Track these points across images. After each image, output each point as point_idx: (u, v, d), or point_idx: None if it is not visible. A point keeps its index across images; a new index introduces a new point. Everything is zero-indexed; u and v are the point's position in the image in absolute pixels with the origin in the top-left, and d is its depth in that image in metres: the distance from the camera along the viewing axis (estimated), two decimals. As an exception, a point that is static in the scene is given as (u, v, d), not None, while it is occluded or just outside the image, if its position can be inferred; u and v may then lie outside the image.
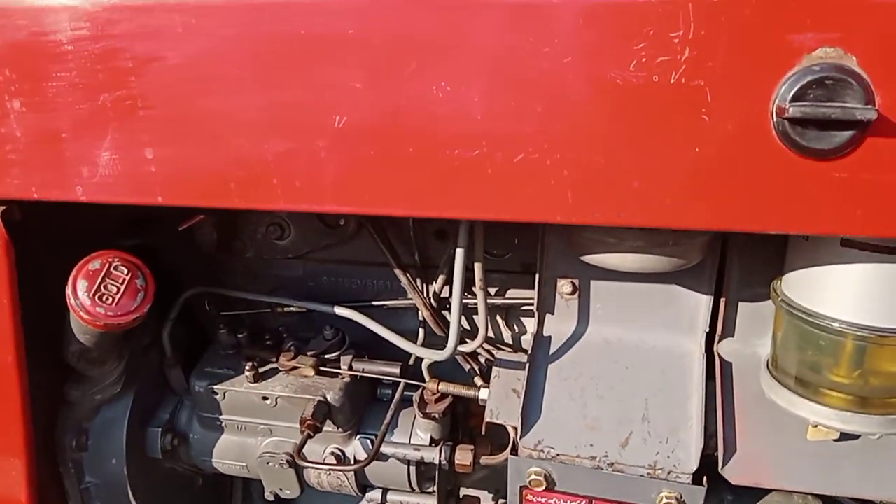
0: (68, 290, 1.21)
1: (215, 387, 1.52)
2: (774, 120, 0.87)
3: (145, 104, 1.02)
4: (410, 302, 1.56)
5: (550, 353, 1.39)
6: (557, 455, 1.28)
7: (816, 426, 1.17)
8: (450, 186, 0.96)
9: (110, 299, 1.21)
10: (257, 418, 1.54)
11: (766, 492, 1.42)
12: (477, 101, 0.92)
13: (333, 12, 0.92)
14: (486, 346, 1.55)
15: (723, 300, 1.33)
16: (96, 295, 1.20)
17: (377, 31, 0.92)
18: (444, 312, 1.55)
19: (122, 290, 1.22)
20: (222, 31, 0.96)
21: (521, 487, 1.32)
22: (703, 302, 1.34)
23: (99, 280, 1.21)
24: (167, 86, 1.01)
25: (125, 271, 1.23)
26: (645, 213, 0.94)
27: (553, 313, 1.41)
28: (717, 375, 1.32)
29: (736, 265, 1.30)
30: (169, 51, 0.99)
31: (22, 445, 1.39)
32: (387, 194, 0.99)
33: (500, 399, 1.37)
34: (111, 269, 1.22)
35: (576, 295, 1.38)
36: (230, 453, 1.59)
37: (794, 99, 0.85)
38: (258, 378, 1.51)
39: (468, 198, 0.96)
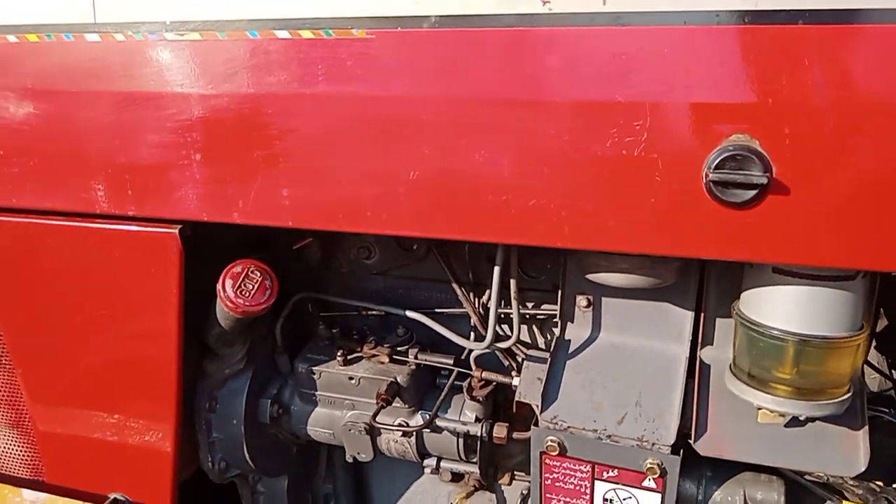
0: (218, 286, 1.70)
1: (314, 368, 1.99)
2: (704, 181, 1.27)
3: (284, 159, 1.51)
4: (463, 310, 1.99)
5: (569, 352, 1.78)
6: (568, 427, 1.68)
7: (761, 409, 1.53)
8: (486, 220, 1.41)
9: (248, 293, 1.69)
10: (344, 394, 1.99)
11: (740, 470, 1.78)
12: (506, 164, 1.37)
13: (412, 104, 1.39)
14: (522, 347, 1.97)
15: (703, 315, 1.71)
16: (238, 290, 1.69)
17: (440, 117, 1.38)
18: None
19: (255, 288, 1.70)
20: (338, 113, 1.44)
21: (540, 452, 1.72)
22: (688, 316, 1.71)
23: (240, 279, 1.69)
24: (299, 148, 1.49)
25: (259, 274, 1.71)
26: (619, 242, 1.36)
27: (573, 322, 1.81)
28: (697, 374, 1.69)
29: (713, 288, 1.67)
30: (302, 125, 1.48)
31: (173, 408, 1.86)
32: (444, 224, 1.44)
33: (527, 384, 1.78)
34: (249, 273, 1.71)
35: (590, 308, 1.78)
36: (321, 422, 2.04)
37: (716, 168, 1.25)
38: (347, 363, 1.97)
39: (499, 228, 1.41)
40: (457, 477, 2.16)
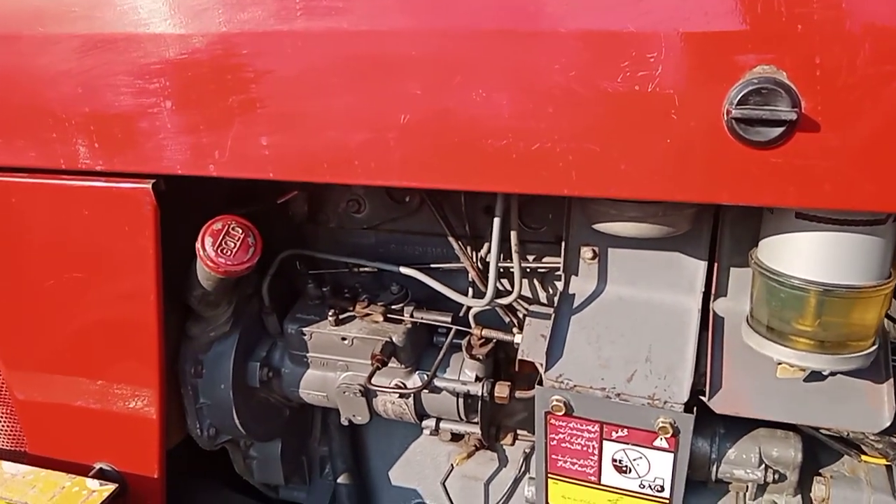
0: (197, 245, 1.58)
1: (304, 329, 1.89)
2: (725, 119, 1.15)
3: (262, 104, 1.37)
4: (461, 265, 1.88)
5: (573, 306, 1.69)
6: (575, 386, 1.59)
7: (781, 364, 1.44)
8: (485, 167, 1.29)
9: (229, 252, 1.58)
10: (337, 355, 1.89)
11: (753, 427, 1.71)
12: (505, 104, 1.25)
13: (401, 39, 1.25)
14: (523, 303, 1.87)
15: (716, 265, 1.60)
16: (219, 248, 1.57)
17: (432, 53, 1.25)
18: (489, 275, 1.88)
19: (237, 245, 1.59)
20: (319, 51, 1.31)
21: (545, 412, 1.63)
22: (701, 266, 1.61)
23: (221, 237, 1.58)
24: (278, 91, 1.36)
25: (240, 231, 1.60)
26: (630, 188, 1.24)
27: (577, 275, 1.71)
28: (710, 327, 1.60)
29: (727, 235, 1.57)
30: (280, 66, 1.34)
31: (156, 372, 1.76)
32: (439, 172, 1.32)
33: (530, 342, 1.69)
34: (230, 230, 1.59)
35: (596, 260, 1.67)
36: (314, 385, 1.95)
37: (738, 103, 1.13)
38: (338, 323, 1.86)
39: (498, 176, 1.29)
40: (456, 437, 2.08)
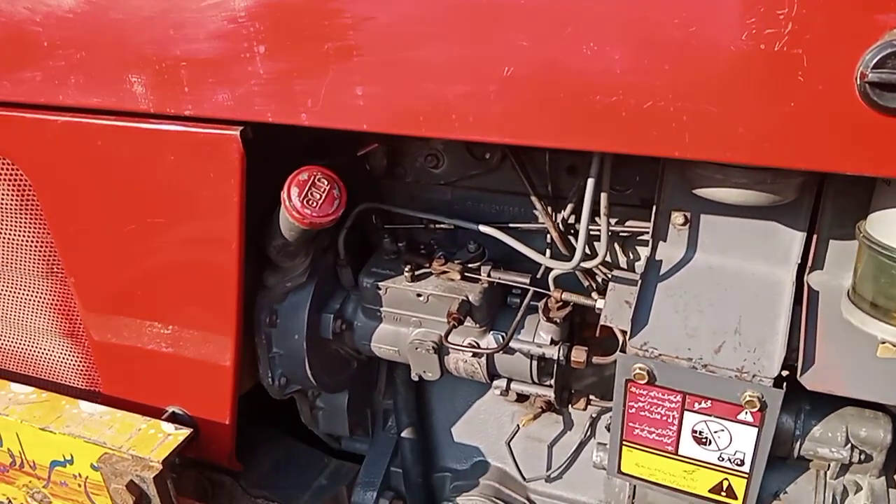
0: (283, 194, 1.56)
1: (379, 283, 1.87)
2: (858, 83, 1.08)
3: (359, 52, 1.33)
4: (540, 225, 1.84)
5: (661, 273, 1.63)
6: (660, 355, 1.55)
7: (885, 343, 1.38)
8: (592, 125, 1.23)
9: (315, 203, 1.55)
10: (411, 311, 1.88)
11: (840, 405, 1.65)
12: (618, 58, 1.18)
13: (511, -13, 1.20)
14: (603, 268, 1.82)
15: (815, 237, 1.54)
16: (304, 199, 1.55)
17: (542, 1, 1.19)
18: (570, 237, 1.83)
19: (323, 197, 1.56)
20: (422, -1, 1.26)
21: (626, 380, 1.60)
22: (798, 237, 1.54)
23: (307, 188, 1.55)
24: (377, 39, 1.31)
25: (326, 183, 1.57)
26: (747, 153, 1.18)
27: (665, 241, 1.65)
28: (804, 300, 1.53)
29: (829, 206, 1.49)
30: (380, 12, 1.29)
31: (233, 322, 1.75)
32: (541, 129, 1.27)
33: (613, 308, 1.64)
34: (315, 181, 1.57)
35: (686, 226, 1.61)
36: (386, 339, 1.94)
37: (876, 66, 1.05)
38: (414, 279, 1.84)
39: (606, 134, 1.23)
40: (522, 397, 2.06)
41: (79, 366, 2.07)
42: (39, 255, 1.94)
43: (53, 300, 2.01)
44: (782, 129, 1.14)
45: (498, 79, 1.26)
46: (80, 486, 1.85)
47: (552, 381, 1.85)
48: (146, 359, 1.92)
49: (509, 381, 1.91)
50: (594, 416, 2.10)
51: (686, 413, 1.59)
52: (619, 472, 1.74)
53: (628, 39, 1.17)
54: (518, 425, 2.13)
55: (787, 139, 1.15)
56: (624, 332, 1.59)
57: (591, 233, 1.67)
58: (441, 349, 1.86)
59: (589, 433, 2.12)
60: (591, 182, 1.48)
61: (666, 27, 1.14)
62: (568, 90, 1.23)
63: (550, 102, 1.25)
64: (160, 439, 1.77)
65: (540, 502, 2.20)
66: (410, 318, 1.88)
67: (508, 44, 1.24)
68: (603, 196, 1.56)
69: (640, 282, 1.61)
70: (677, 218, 1.61)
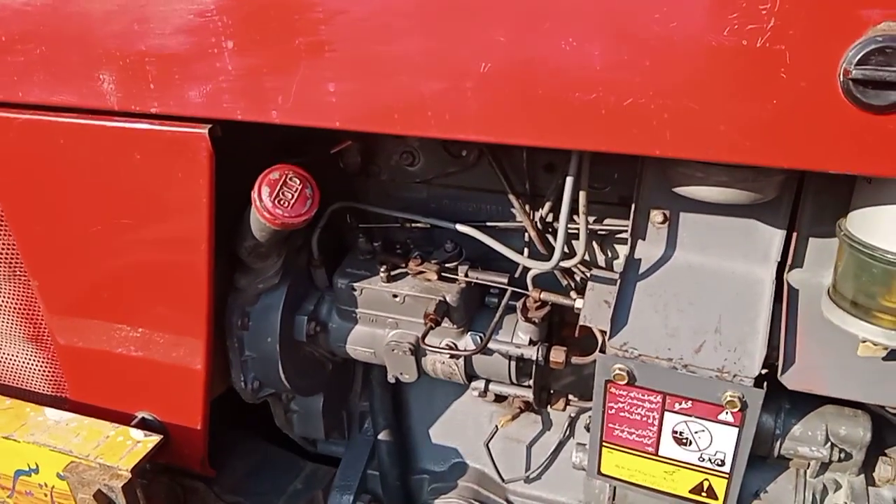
0: (254, 194, 1.52)
1: (354, 284, 1.83)
2: (841, 80, 1.06)
3: (331, 48, 1.29)
4: (518, 224, 1.81)
5: (640, 272, 1.61)
6: (639, 355, 1.52)
7: (865, 342, 1.37)
8: (571, 123, 1.20)
9: (287, 203, 1.51)
10: (387, 312, 1.84)
11: (820, 403, 1.65)
12: (597, 55, 1.15)
13: (488, -19, 1.16)
14: (581, 266, 1.80)
15: (795, 234, 1.52)
16: (276, 199, 1.50)
17: (520, -4, 1.16)
18: (548, 236, 1.80)
19: (295, 197, 1.52)
20: (396, -9, 1.22)
21: (606, 381, 1.57)
22: (778, 235, 1.53)
23: (278, 187, 1.51)
24: (349, 34, 1.27)
25: (298, 182, 1.53)
26: (728, 151, 1.16)
27: (644, 239, 1.63)
28: (784, 299, 1.52)
29: (809, 204, 1.48)
30: (353, 6, 1.25)
31: (204, 324, 1.71)
32: (519, 127, 1.24)
33: (592, 308, 1.62)
34: (287, 180, 1.52)
35: (666, 224, 1.59)
36: (361, 341, 1.90)
37: (859, 63, 1.03)
38: (390, 279, 1.80)
39: (586, 132, 1.20)
40: (500, 397, 2.03)
41: (44, 371, 2.01)
42: (0, 258, 1.87)
43: (16, 303, 1.94)
44: (765, 127, 1.12)
45: (475, 75, 1.23)
46: (46, 495, 1.79)
47: (531, 382, 1.83)
48: (114, 363, 1.87)
49: (487, 381, 1.88)
50: (573, 415, 2.08)
51: (666, 413, 1.57)
52: (599, 473, 1.72)
53: (608, 35, 1.14)
54: (496, 426, 2.10)
55: (770, 137, 1.13)
56: (603, 333, 1.56)
57: (570, 231, 1.65)
58: (418, 350, 1.82)
59: (568, 433, 2.10)
60: (569, 180, 1.46)
61: (646, 22, 1.12)
62: (546, 87, 1.20)
63: (529, 100, 1.21)
64: (129, 446, 1.72)
65: (519, 503, 2.18)
66: (386, 319, 1.85)
67: (485, 39, 1.20)
68: (581, 194, 1.53)
69: (619, 281, 1.59)
70: (656, 216, 1.59)
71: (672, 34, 1.11)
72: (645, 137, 1.18)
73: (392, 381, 1.91)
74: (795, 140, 1.12)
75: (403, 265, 1.82)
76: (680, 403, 1.54)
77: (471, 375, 1.86)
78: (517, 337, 1.77)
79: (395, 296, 1.79)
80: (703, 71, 1.12)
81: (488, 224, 1.83)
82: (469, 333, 1.81)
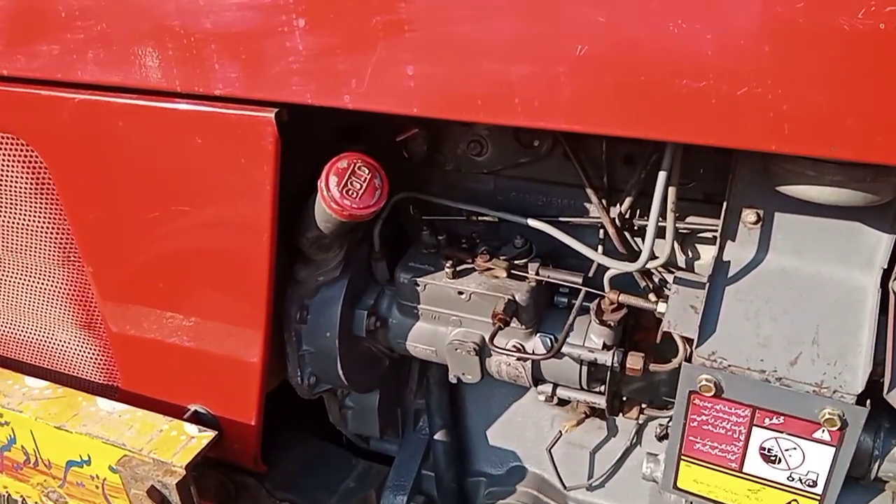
0: (321, 184, 1.43)
1: (417, 279, 1.74)
2: None
3: (411, 27, 1.19)
4: (592, 220, 1.70)
5: (729, 275, 1.50)
6: (729, 366, 1.41)
7: None
8: (676, 113, 1.09)
9: (355, 193, 1.42)
10: (451, 309, 1.74)
11: (924, 424, 1.52)
12: (709, 38, 1.04)
13: (590, -46, 1.06)
14: (661, 267, 1.68)
15: (903, 240, 1.39)
16: (344, 189, 1.42)
17: (627, -28, 1.05)
18: (625, 233, 1.69)
19: (363, 187, 1.43)
20: (486, -34, 1.12)
21: (690, 392, 1.47)
22: (885, 240, 1.39)
23: (346, 177, 1.42)
24: (431, 12, 1.18)
25: (367, 171, 1.44)
26: (855, 148, 1.04)
27: (734, 240, 1.51)
28: (891, 309, 1.39)
29: (922, 208, 1.36)
30: (428, -19, 1.16)
31: (262, 317, 1.63)
32: (617, 116, 1.13)
33: (677, 312, 1.50)
34: (356, 169, 1.43)
35: (759, 224, 1.47)
36: (422, 338, 1.81)
37: None
38: (456, 275, 1.71)
39: (692, 124, 1.09)
40: (563, 401, 1.93)
41: (96, 359, 1.96)
42: (55, 242, 1.83)
43: (69, 289, 1.89)
44: (899, 122, 1.00)
45: (569, 58, 1.12)
46: (97, 487, 1.75)
47: (603, 388, 1.72)
48: (168, 353, 1.81)
49: (555, 386, 1.78)
50: (640, 422, 1.97)
51: (754, 429, 1.45)
52: (675, 487, 1.61)
53: (722, 16, 1.03)
54: (561, 431, 2.00)
55: (905, 133, 1.01)
56: (687, 340, 1.45)
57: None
58: (483, 351, 1.73)
59: (635, 440, 1.99)
60: (662, 175, 1.34)
61: (768, 2, 1.00)
62: (650, 73, 1.09)
63: (629, 87, 1.11)
64: (183, 442, 1.65)
65: (580, 512, 2.08)
66: (450, 316, 1.75)
67: (583, 19, 1.10)
68: (671, 191, 1.42)
69: (707, 285, 1.47)
70: (749, 215, 1.47)
71: (797, 16, 0.99)
72: (760, 131, 1.06)
73: (454, 381, 1.82)
74: (936, 136, 1.00)
75: (470, 261, 1.72)
76: (771, 419, 1.43)
77: (538, 379, 1.76)
78: (590, 340, 1.67)
79: (460, 293, 1.70)
80: (832, 57, 1.00)
81: (560, 219, 1.72)
82: (538, 335, 1.71)
